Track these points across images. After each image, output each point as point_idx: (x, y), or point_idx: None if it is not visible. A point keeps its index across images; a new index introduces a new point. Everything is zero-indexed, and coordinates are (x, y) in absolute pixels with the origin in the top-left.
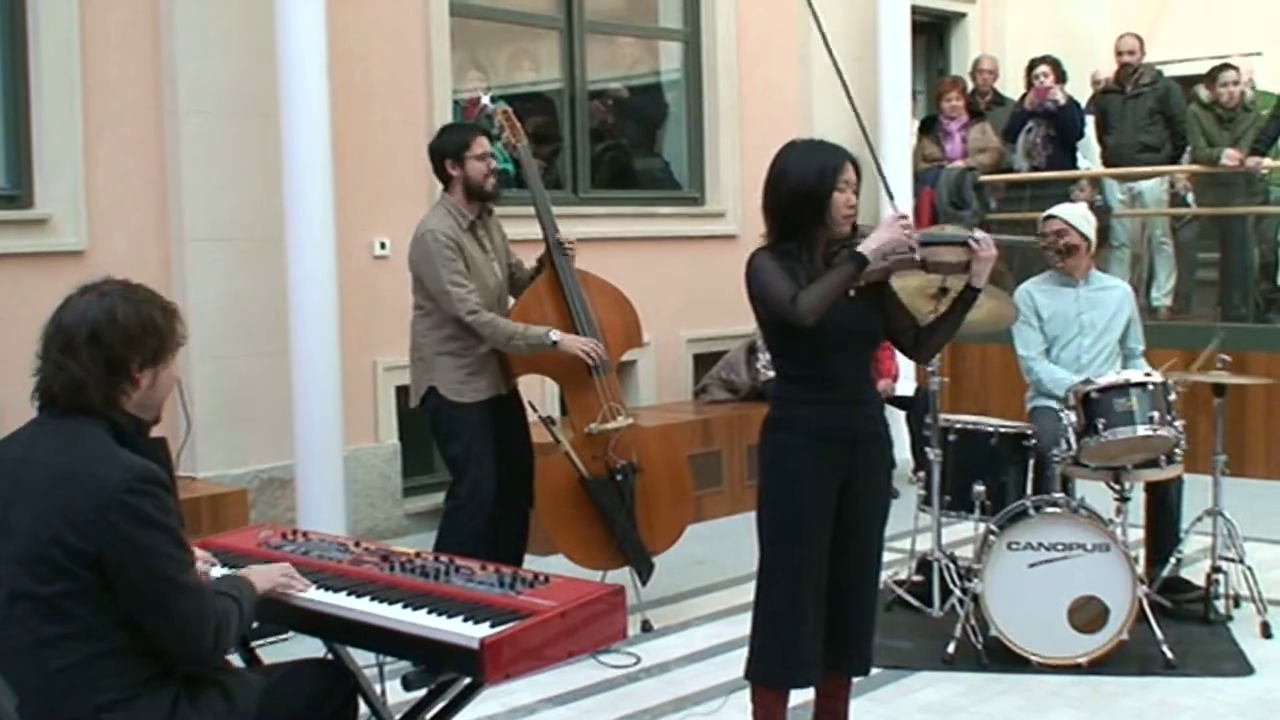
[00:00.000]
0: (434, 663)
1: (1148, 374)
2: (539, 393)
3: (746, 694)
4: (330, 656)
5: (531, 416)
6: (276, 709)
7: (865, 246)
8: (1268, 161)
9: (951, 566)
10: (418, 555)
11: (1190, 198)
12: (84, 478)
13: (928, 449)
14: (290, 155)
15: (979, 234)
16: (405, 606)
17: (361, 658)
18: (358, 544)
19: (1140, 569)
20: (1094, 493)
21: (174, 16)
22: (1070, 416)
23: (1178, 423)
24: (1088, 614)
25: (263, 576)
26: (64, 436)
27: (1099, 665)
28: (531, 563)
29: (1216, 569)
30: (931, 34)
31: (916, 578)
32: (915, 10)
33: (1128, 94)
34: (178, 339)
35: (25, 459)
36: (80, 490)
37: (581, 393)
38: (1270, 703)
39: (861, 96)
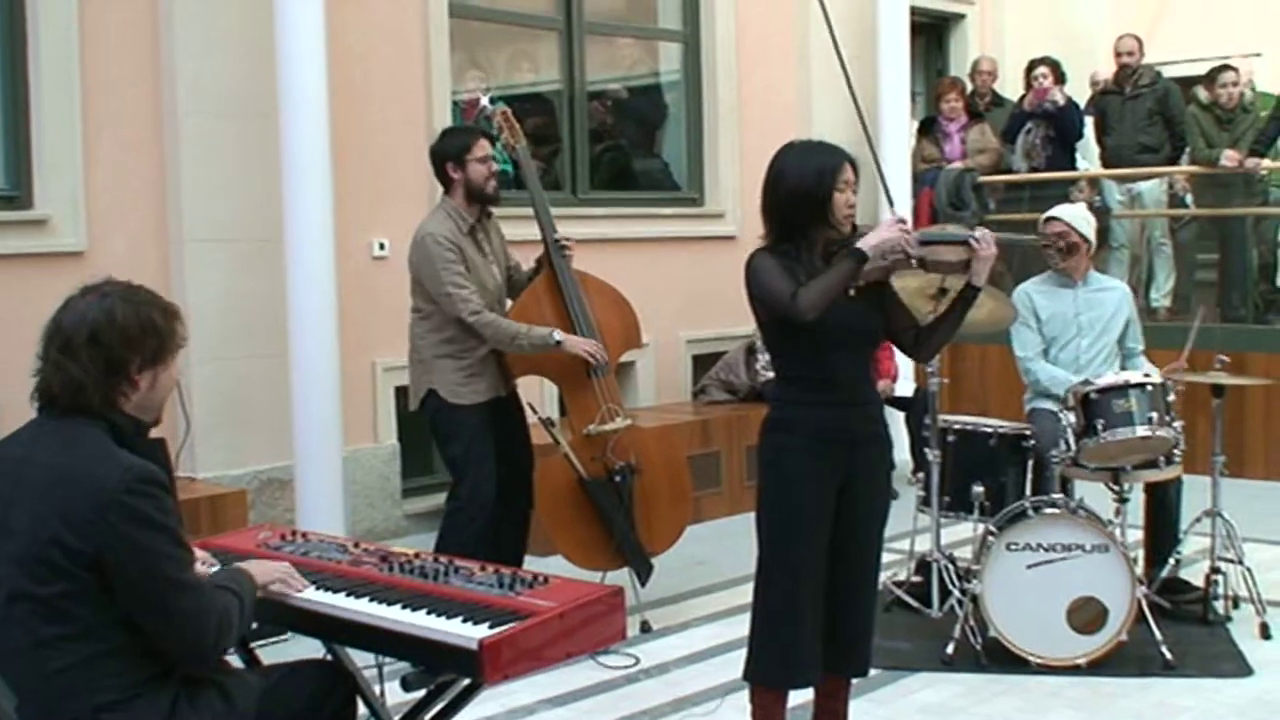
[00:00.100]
0: (433, 663)
1: (1146, 375)
2: (538, 394)
3: (744, 695)
4: (329, 657)
5: (531, 418)
6: (276, 710)
7: (864, 243)
8: (1266, 163)
9: (950, 567)
10: (417, 556)
11: (1189, 199)
12: (83, 478)
13: (927, 450)
14: (289, 156)
15: (980, 231)
16: (404, 607)
17: (361, 658)
18: (357, 545)
19: (1139, 570)
20: (1093, 494)
21: (173, 17)
22: (1069, 417)
23: (1176, 423)
24: (1087, 615)
25: (263, 570)
26: (63, 437)
27: (1098, 666)
28: (531, 564)
29: (1215, 570)
30: (930, 35)
31: (915, 578)
32: (914, 11)
33: (1127, 95)
34: (177, 340)
35: (24, 459)
36: (79, 491)
37: (580, 394)
38: (1269, 704)
39: (860, 97)
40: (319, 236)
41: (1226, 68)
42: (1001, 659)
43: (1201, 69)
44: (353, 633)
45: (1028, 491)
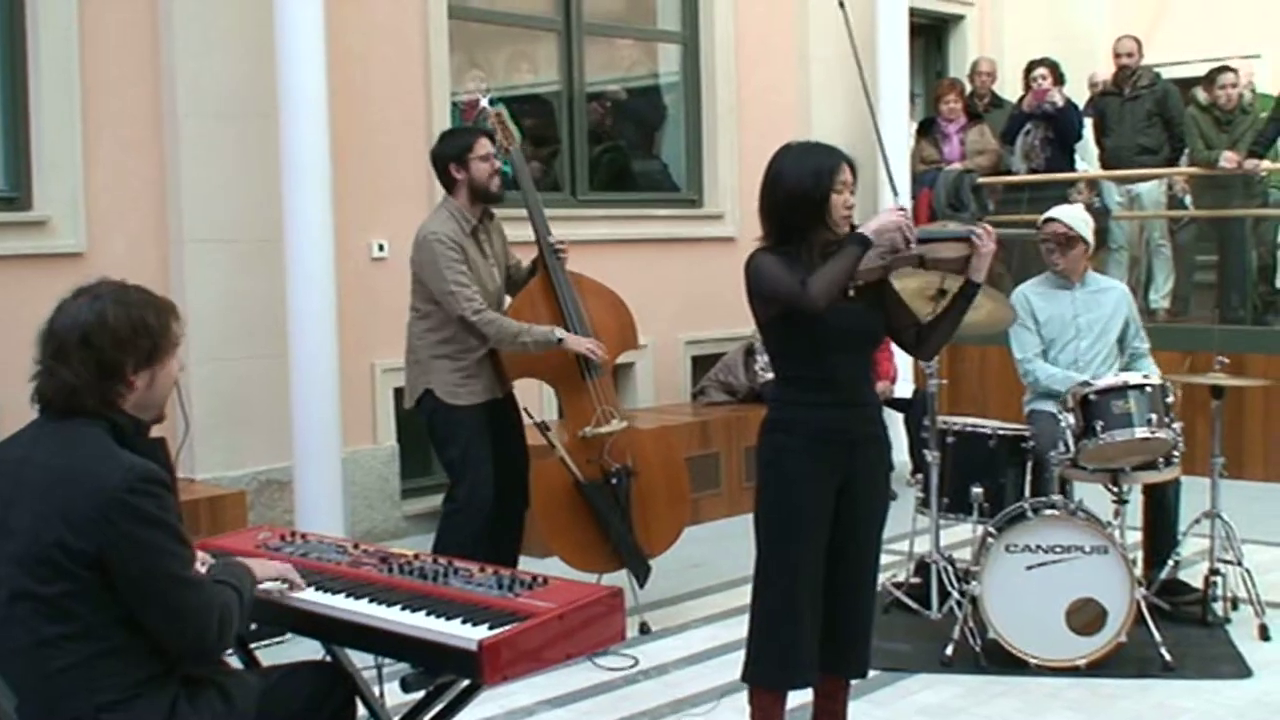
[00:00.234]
0: (432, 664)
1: (1145, 376)
2: (535, 398)
3: (743, 696)
4: (329, 658)
5: (526, 421)
6: (275, 710)
7: (865, 228)
8: (1266, 164)
9: (950, 569)
10: (416, 557)
11: (1188, 200)
12: (84, 478)
13: (926, 451)
14: (289, 156)
15: (980, 227)
16: (404, 608)
17: (360, 659)
18: (356, 546)
19: (1138, 571)
20: (1092, 495)
21: (173, 17)
22: (1068, 419)
23: (1176, 425)
24: (1086, 616)
25: (263, 566)
26: (63, 438)
27: (1097, 667)
28: (528, 565)
29: (1215, 571)
30: (930, 36)
31: (915, 580)
32: (913, 12)
33: (1126, 96)
34: (172, 338)
35: (24, 460)
36: (80, 490)
37: (576, 396)
38: (1268, 705)
39: (860, 98)
40: (319, 237)
41: (1225, 69)
42: (1001, 660)
43: (1200, 70)
44: (352, 634)
45: (1027, 493)
